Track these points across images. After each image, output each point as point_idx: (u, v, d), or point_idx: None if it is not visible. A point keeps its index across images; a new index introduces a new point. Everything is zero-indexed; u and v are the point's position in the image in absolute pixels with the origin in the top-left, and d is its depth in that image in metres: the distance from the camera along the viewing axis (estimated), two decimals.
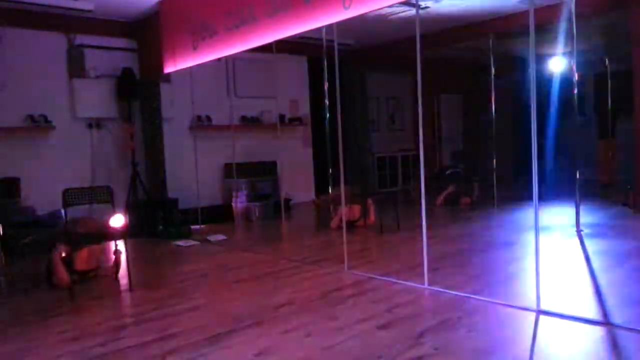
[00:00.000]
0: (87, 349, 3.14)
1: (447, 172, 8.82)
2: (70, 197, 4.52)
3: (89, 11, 6.72)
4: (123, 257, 4.75)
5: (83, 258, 4.51)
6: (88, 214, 5.33)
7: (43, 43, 7.10)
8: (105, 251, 4.88)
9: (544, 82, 9.43)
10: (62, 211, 4.62)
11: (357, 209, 6.86)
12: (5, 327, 3.65)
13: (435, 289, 3.97)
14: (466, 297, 3.73)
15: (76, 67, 7.33)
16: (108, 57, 7.57)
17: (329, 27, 4.90)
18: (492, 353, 2.82)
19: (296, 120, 9.73)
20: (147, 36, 7.49)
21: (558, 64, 9.24)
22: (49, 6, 6.50)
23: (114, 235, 4.82)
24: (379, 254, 5.45)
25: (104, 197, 4.75)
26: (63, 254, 4.43)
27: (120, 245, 4.71)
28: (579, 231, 5.80)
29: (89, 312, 3.91)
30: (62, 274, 4.43)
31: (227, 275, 4.82)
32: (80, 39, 7.35)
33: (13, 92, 6.82)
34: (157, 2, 6.78)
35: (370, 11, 4.28)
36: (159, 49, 6.89)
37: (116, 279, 4.70)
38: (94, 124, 7.54)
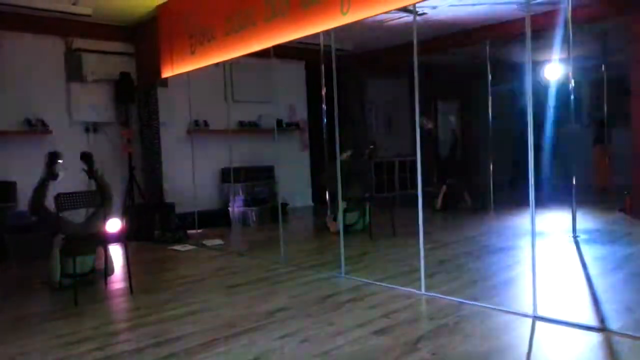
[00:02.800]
0: (83, 353, 3.12)
1: (448, 180, 8.85)
2: (63, 201, 4.50)
3: (87, 15, 6.73)
4: (119, 262, 4.74)
5: (79, 262, 4.49)
6: (84, 218, 5.32)
7: (41, 47, 7.10)
8: (99, 255, 4.86)
9: (540, 88, 9.47)
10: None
11: (354, 213, 6.86)
12: (2, 331, 3.64)
13: (432, 294, 3.97)
14: (463, 302, 3.73)
15: (74, 71, 7.33)
16: (106, 61, 7.56)
17: (327, 33, 4.92)
18: (489, 359, 2.82)
19: (293, 125, 9.74)
20: (145, 41, 7.50)
21: (554, 71, 9.28)
22: (47, 10, 6.50)
23: (110, 239, 4.81)
24: (375, 259, 5.45)
25: (98, 202, 4.74)
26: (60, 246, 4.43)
27: (114, 249, 4.69)
28: (575, 237, 5.81)
29: (85, 317, 3.89)
30: (55, 270, 4.42)
31: (223, 280, 4.81)
32: (78, 43, 7.35)
33: (10, 96, 6.82)
34: (155, 7, 6.80)
35: (368, 17, 4.29)
36: (156, 53, 6.90)
37: (106, 283, 4.69)
38: (91, 128, 7.53)
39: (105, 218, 4.66)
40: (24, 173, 6.77)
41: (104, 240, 4.69)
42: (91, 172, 4.72)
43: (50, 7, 6.41)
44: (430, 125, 9.31)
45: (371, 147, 7.77)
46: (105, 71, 7.52)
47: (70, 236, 4.51)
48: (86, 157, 4.72)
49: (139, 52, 7.80)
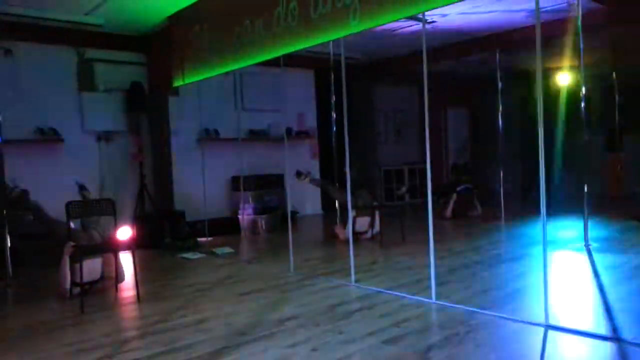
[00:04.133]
0: None
1: (458, 188, 8.83)
2: (73, 209, 4.55)
3: (100, 26, 6.81)
4: (130, 270, 4.74)
5: (86, 269, 4.51)
6: (95, 226, 5.36)
7: (53, 57, 7.20)
8: (109, 263, 4.88)
9: (550, 96, 9.43)
10: (72, 224, 4.65)
11: (364, 220, 6.86)
12: (12, 338, 3.67)
13: (443, 303, 3.94)
14: (474, 311, 3.71)
15: (86, 80, 7.42)
16: (117, 70, 7.65)
17: (336, 41, 4.93)
18: None
19: (303, 133, 9.77)
20: (156, 50, 7.58)
21: (565, 78, 9.24)
22: (60, 21, 6.59)
23: (121, 247, 4.84)
24: (385, 267, 5.43)
25: (107, 210, 4.77)
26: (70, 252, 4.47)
27: (125, 257, 4.72)
28: (587, 245, 5.76)
29: (95, 324, 3.91)
30: (65, 278, 4.46)
31: (233, 288, 4.81)
32: (90, 53, 7.44)
33: (23, 105, 6.90)
34: (166, 17, 6.87)
35: (378, 26, 4.31)
36: (167, 62, 6.97)
37: (116, 291, 4.71)
38: (103, 136, 7.61)
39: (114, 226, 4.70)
40: (37, 181, 6.84)
41: (113, 247, 4.71)
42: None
43: (63, 18, 6.50)
44: None
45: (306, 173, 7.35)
46: (116, 80, 7.60)
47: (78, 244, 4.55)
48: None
49: (150, 62, 7.87)
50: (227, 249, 6.73)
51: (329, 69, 6.69)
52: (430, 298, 4.03)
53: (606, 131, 10.68)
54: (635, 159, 9.91)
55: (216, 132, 8.58)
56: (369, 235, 6.91)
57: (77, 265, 4.46)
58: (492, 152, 9.88)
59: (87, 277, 4.53)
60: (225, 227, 8.03)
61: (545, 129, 3.48)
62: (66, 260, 4.52)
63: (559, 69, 9.16)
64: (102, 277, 4.81)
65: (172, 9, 6.61)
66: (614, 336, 3.16)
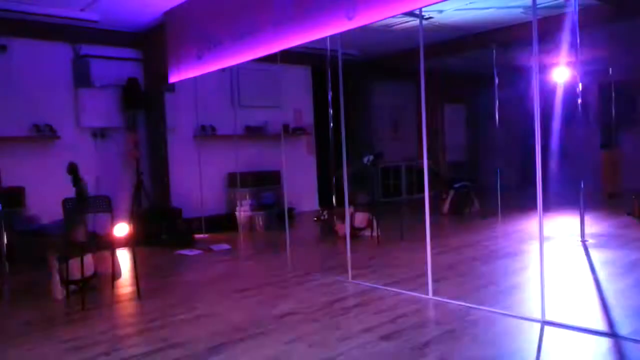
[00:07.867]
0: (91, 358, 3.13)
1: (455, 185, 8.83)
2: (70, 206, 4.52)
3: (95, 22, 6.78)
4: (127, 266, 4.74)
5: (76, 267, 4.49)
6: (90, 223, 5.34)
7: (49, 53, 7.16)
8: (105, 259, 4.86)
9: (547, 92, 9.45)
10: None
11: (362, 217, 6.86)
12: (9, 336, 3.66)
13: (440, 299, 3.95)
14: (471, 307, 3.72)
15: (81, 77, 7.37)
16: (113, 67, 7.61)
17: (333, 38, 4.92)
18: None
19: (300, 130, 9.76)
20: (153, 46, 7.55)
21: (562, 74, 9.25)
22: (55, 17, 6.56)
23: (118, 243, 4.83)
24: (383, 263, 5.43)
25: (103, 207, 4.75)
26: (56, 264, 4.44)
27: (121, 253, 4.70)
28: (583, 241, 5.78)
29: (92, 321, 3.90)
30: (57, 288, 4.44)
31: (230, 285, 4.81)
32: (86, 49, 7.40)
33: (19, 102, 6.88)
34: (162, 13, 6.84)
35: (374, 22, 4.30)
36: (164, 59, 6.94)
37: (113, 288, 4.70)
38: (99, 133, 7.58)
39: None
40: (33, 178, 6.84)
41: (112, 244, 4.70)
42: (75, 182, 4.69)
43: (59, 14, 6.47)
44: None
45: (376, 153, 7.67)
46: (113, 77, 7.57)
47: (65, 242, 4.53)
48: (71, 169, 4.73)
49: (146, 58, 7.85)
50: (224, 246, 6.72)
51: (326, 66, 6.67)
52: (427, 294, 4.04)
53: (602, 127, 10.73)
54: (631, 154, 9.94)
55: (213, 128, 8.57)
56: (367, 233, 6.90)
57: (64, 265, 4.43)
58: (489, 148, 9.90)
59: (77, 275, 4.49)
60: (222, 224, 8.02)
61: (542, 125, 3.49)
62: (54, 262, 4.50)
63: (555, 65, 9.17)
64: (95, 274, 4.78)
65: (168, 5, 6.58)
66: (610, 332, 3.18)
